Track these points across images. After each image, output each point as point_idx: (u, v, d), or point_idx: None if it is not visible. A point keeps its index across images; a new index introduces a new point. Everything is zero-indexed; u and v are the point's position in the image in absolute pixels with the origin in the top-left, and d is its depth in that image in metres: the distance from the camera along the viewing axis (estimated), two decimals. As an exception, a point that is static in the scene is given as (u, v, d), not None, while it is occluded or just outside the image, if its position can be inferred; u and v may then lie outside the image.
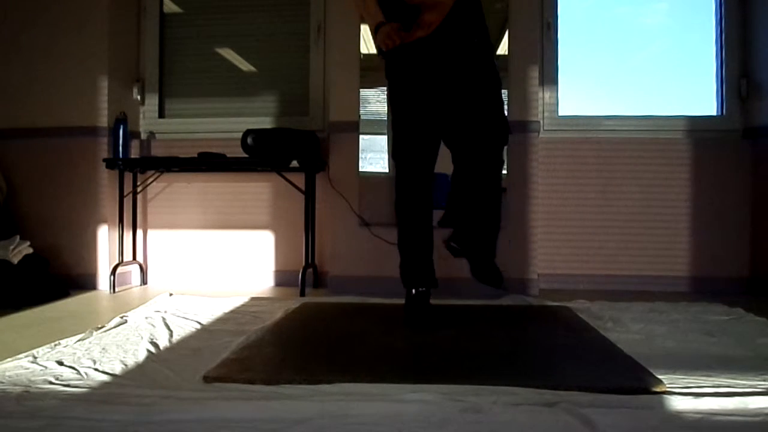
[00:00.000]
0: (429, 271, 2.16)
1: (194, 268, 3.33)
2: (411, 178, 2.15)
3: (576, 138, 3.18)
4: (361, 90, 3.03)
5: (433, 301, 2.15)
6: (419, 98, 2.11)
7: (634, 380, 1.42)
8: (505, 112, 2.15)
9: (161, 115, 3.45)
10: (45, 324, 2.21)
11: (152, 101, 3.42)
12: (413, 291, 2.13)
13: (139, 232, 3.32)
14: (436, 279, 2.18)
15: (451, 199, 2.20)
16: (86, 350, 1.73)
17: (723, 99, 3.16)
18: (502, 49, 2.28)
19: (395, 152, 2.19)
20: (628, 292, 2.98)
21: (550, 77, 3.20)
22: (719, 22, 3.18)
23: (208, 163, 3.07)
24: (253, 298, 2.69)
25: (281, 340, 1.91)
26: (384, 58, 2.17)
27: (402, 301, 2.17)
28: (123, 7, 3.26)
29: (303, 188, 3.00)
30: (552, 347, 1.82)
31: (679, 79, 3.33)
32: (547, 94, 3.20)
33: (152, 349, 1.75)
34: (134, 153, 3.30)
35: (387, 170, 3.57)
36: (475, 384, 1.38)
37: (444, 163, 2.21)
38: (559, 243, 3.16)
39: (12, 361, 1.60)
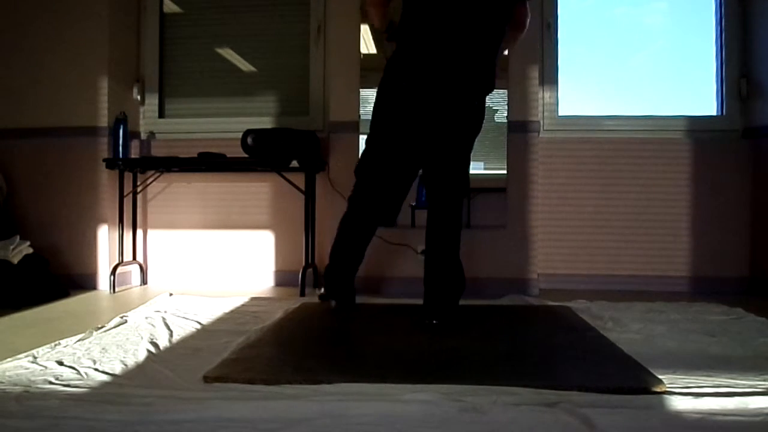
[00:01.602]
0: (349, 289, 2.31)
1: (194, 268, 3.33)
2: (376, 199, 2.22)
3: (576, 138, 3.18)
4: (361, 90, 3.03)
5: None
6: (409, 123, 2.13)
7: (634, 380, 1.42)
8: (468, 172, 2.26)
9: (161, 115, 3.45)
10: (45, 324, 2.21)
11: (152, 101, 3.42)
12: (333, 303, 2.29)
13: (139, 232, 3.32)
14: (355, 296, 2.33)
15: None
16: (86, 350, 1.73)
17: (723, 99, 3.16)
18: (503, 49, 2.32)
19: (363, 169, 2.23)
20: (628, 292, 2.98)
21: (550, 77, 3.20)
22: (719, 22, 3.18)
23: (208, 163, 3.07)
24: (253, 298, 2.69)
25: (281, 340, 1.91)
26: (390, 40, 2.23)
27: (402, 301, 2.18)
28: (123, 7, 3.26)
29: (303, 188, 3.00)
30: (552, 347, 1.82)
31: (679, 79, 3.33)
32: (547, 94, 3.20)
33: (152, 349, 1.75)
34: (134, 153, 3.30)
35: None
36: (475, 384, 1.38)
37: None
38: (559, 243, 3.16)
39: (12, 361, 1.60)
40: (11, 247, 2.72)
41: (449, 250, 2.17)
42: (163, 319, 2.18)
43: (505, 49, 2.31)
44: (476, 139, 2.26)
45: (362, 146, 3.05)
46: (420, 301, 2.18)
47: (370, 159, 2.22)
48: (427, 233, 2.19)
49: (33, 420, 1.18)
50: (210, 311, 2.35)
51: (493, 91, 2.21)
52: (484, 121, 2.25)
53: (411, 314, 2.26)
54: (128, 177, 3.17)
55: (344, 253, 2.28)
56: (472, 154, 2.26)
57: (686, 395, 1.31)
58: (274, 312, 2.33)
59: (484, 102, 2.20)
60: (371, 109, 3.18)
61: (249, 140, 2.95)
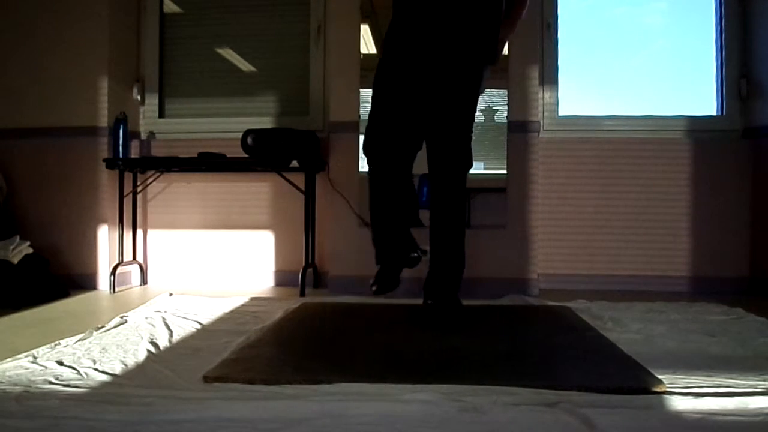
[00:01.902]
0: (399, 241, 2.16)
1: (194, 268, 3.33)
2: (384, 167, 2.15)
3: (576, 138, 3.18)
4: (361, 90, 3.02)
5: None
6: (405, 94, 2.11)
7: (634, 380, 1.42)
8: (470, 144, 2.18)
9: (161, 115, 3.45)
10: (45, 324, 2.21)
11: (152, 101, 3.42)
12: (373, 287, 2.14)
13: (139, 232, 3.32)
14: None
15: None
16: (86, 350, 1.73)
17: (723, 99, 3.16)
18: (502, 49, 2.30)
19: (367, 145, 2.17)
20: (628, 292, 2.98)
21: (550, 77, 3.20)
22: (719, 22, 3.18)
23: (208, 163, 3.07)
24: (253, 298, 2.69)
25: (281, 340, 1.91)
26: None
27: (402, 301, 2.18)
28: (123, 7, 3.26)
29: (303, 188, 3.00)
30: (552, 347, 1.82)
31: (679, 79, 3.33)
32: (547, 94, 3.20)
33: (152, 349, 1.75)
34: (134, 153, 3.30)
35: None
36: (475, 384, 1.38)
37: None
38: (559, 243, 3.16)
39: (12, 361, 1.60)
40: (11, 247, 2.72)
41: (450, 232, 2.13)
42: (163, 319, 2.18)
43: (508, 27, 2.23)
44: (474, 131, 2.20)
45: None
46: (419, 301, 2.18)
47: (373, 133, 2.17)
48: (431, 216, 2.15)
49: (33, 420, 1.18)
50: (210, 311, 2.35)
51: (494, 63, 2.17)
52: (485, 121, 2.24)
53: (411, 314, 2.26)
54: (128, 177, 3.17)
55: (379, 222, 2.18)
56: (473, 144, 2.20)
57: (686, 395, 1.30)
58: (274, 312, 2.33)
59: (480, 70, 2.14)
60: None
61: (249, 140, 2.95)
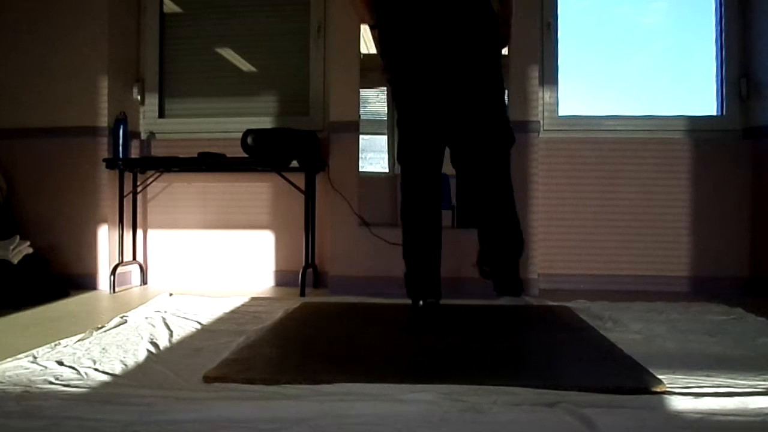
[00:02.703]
0: (436, 281, 2.03)
1: (194, 268, 3.33)
2: (418, 179, 2.05)
3: (576, 138, 3.18)
4: (361, 90, 3.03)
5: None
6: (423, 94, 2.03)
7: (634, 380, 1.42)
8: (508, 117, 2.09)
9: (161, 115, 3.45)
10: (45, 324, 2.21)
11: (152, 101, 3.42)
12: (420, 302, 2.00)
13: (139, 232, 3.32)
14: (440, 290, 2.11)
15: (463, 203, 2.13)
16: (86, 350, 1.73)
17: (723, 99, 3.16)
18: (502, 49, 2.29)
19: (400, 153, 2.08)
20: (628, 292, 2.98)
21: (550, 77, 3.20)
22: (719, 22, 3.18)
23: (208, 163, 3.07)
24: (253, 298, 2.69)
25: (281, 340, 1.91)
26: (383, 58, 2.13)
27: (402, 301, 2.16)
28: (123, 7, 3.26)
29: (303, 188, 3.00)
30: (552, 347, 1.82)
31: (679, 79, 3.33)
32: (547, 94, 3.20)
33: (152, 349, 1.75)
34: (134, 153, 3.30)
35: (387, 170, 3.58)
36: (475, 384, 1.38)
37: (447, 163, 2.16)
38: (559, 243, 3.16)
39: (12, 361, 1.59)
40: (11, 247, 2.72)
41: (509, 202, 2.03)
42: (163, 319, 2.18)
43: (506, 10, 2.15)
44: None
45: (362, 145, 3.08)
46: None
47: (403, 135, 2.08)
48: (479, 192, 2.03)
49: (33, 420, 1.18)
50: (210, 311, 2.35)
51: (503, 45, 2.11)
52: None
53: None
54: (128, 177, 3.17)
55: (415, 248, 2.05)
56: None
57: (686, 395, 1.30)
58: (274, 312, 2.33)
59: (491, 50, 2.03)
60: (371, 109, 3.18)
61: (249, 140, 2.95)
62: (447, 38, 1.98)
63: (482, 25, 2.01)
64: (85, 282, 3.08)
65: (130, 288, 3.17)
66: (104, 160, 3.07)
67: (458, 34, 1.98)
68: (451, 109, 2.04)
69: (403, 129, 2.09)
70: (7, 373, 1.49)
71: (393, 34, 2.04)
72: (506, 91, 2.91)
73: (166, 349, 1.79)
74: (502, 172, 2.04)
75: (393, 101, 2.13)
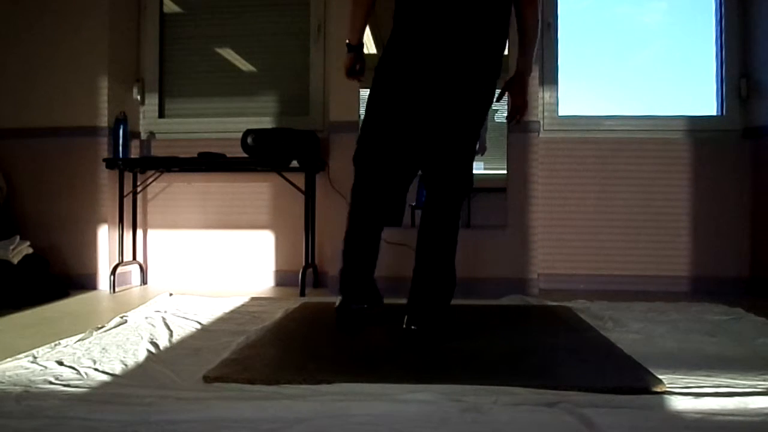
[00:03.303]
0: (368, 286, 2.08)
1: (194, 268, 3.33)
2: (369, 187, 2.05)
3: (576, 138, 3.18)
4: (361, 90, 3.02)
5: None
6: (402, 111, 1.98)
7: (634, 380, 1.42)
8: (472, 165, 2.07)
9: (161, 115, 3.45)
10: (45, 324, 2.21)
11: (152, 101, 3.42)
12: (350, 305, 2.03)
13: (139, 232, 3.32)
14: (381, 296, 2.16)
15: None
16: (86, 350, 1.73)
17: (723, 99, 3.16)
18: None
19: (358, 156, 2.08)
20: (628, 292, 2.98)
21: (550, 77, 3.20)
22: (719, 22, 3.18)
23: (208, 163, 3.07)
24: (253, 298, 2.69)
25: (281, 340, 1.91)
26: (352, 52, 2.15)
27: (402, 301, 2.15)
28: (123, 7, 3.26)
29: (303, 188, 3.00)
30: (552, 347, 1.82)
31: (679, 79, 3.33)
32: (547, 94, 3.20)
33: (152, 349, 1.75)
34: (134, 153, 3.30)
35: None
36: (475, 384, 1.38)
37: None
38: (559, 243, 3.16)
39: (12, 361, 1.60)
40: (11, 247, 2.72)
41: (440, 251, 1.98)
42: (163, 319, 2.18)
43: (527, 39, 2.07)
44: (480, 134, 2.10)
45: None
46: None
47: (366, 146, 2.06)
48: (420, 231, 2.02)
49: (33, 420, 1.18)
50: (210, 311, 2.35)
51: (498, 77, 2.01)
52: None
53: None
54: (128, 177, 3.17)
55: (353, 249, 2.07)
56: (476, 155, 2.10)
57: (686, 395, 1.31)
58: (274, 312, 2.33)
59: (488, 89, 1.99)
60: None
61: (249, 140, 2.95)
62: (449, 69, 1.93)
63: (487, 67, 1.98)
64: (85, 282, 3.08)
65: (130, 288, 3.17)
66: (104, 160, 3.07)
67: (467, 60, 1.93)
68: (423, 134, 2.01)
69: (367, 134, 2.07)
70: (7, 373, 1.49)
71: (404, 42, 1.99)
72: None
73: (166, 349, 1.79)
74: (451, 216, 2.01)
75: (368, 101, 2.08)
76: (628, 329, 2.03)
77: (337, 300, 2.05)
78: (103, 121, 3.11)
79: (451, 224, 2.01)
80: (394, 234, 2.94)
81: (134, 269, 3.31)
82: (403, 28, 2.01)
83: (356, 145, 2.11)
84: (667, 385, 1.37)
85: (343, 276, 2.07)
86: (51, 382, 1.42)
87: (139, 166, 3.16)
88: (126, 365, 1.59)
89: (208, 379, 1.44)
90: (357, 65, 2.18)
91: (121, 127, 3.08)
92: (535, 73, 2.95)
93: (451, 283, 2.00)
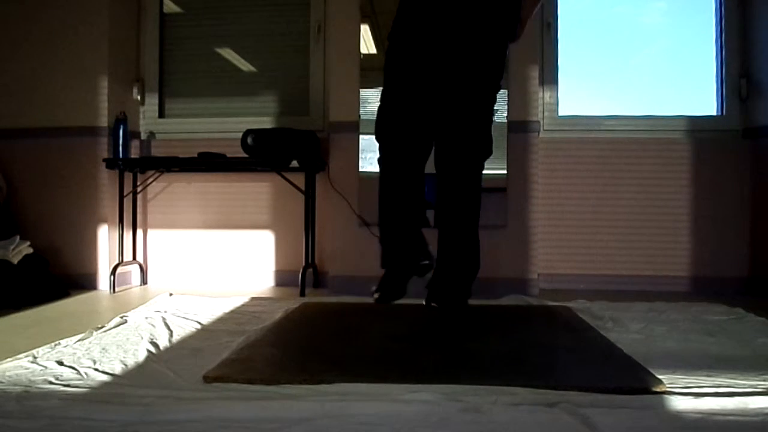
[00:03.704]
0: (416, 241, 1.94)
1: (194, 268, 3.33)
2: (400, 162, 1.96)
3: (576, 138, 3.18)
4: (361, 90, 3.02)
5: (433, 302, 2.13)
6: (418, 79, 1.93)
7: (634, 380, 1.42)
8: (491, 130, 2.01)
9: (161, 115, 3.45)
10: (45, 324, 2.21)
11: (152, 101, 3.42)
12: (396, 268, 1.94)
13: (139, 232, 3.32)
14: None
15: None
16: (86, 350, 1.73)
17: (723, 99, 3.16)
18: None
19: (382, 128, 1.98)
20: (628, 292, 2.98)
21: (550, 77, 3.20)
22: (719, 22, 3.18)
23: (208, 163, 3.07)
24: (253, 298, 2.69)
25: (281, 340, 1.91)
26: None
27: (403, 301, 2.15)
28: (123, 7, 3.26)
29: (303, 188, 3.00)
30: (552, 347, 1.82)
31: (679, 79, 3.33)
32: (547, 94, 3.20)
33: (152, 349, 1.75)
34: (134, 153, 3.30)
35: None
36: (475, 384, 1.38)
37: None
38: (559, 243, 3.16)
39: (12, 361, 1.60)
40: (11, 247, 2.72)
41: (462, 224, 1.91)
42: (163, 319, 2.18)
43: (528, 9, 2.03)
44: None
45: (362, 145, 3.08)
46: (419, 301, 2.17)
47: (386, 115, 1.99)
48: (438, 204, 1.93)
49: (33, 420, 1.18)
50: (210, 311, 2.35)
51: (514, 40, 2.00)
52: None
53: (411, 314, 2.26)
54: (128, 177, 3.17)
55: (388, 222, 1.97)
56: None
57: (686, 395, 1.30)
58: (274, 312, 2.33)
59: (500, 50, 1.95)
60: (371, 109, 3.17)
61: (249, 140, 2.95)
62: (466, 24, 1.89)
63: (498, 27, 1.94)
64: (85, 282, 3.08)
65: (130, 288, 3.17)
66: (104, 160, 3.07)
67: (478, 21, 1.90)
68: (440, 101, 1.96)
69: (390, 102, 2.00)
70: (7, 373, 1.49)
71: (414, 7, 1.95)
72: (506, 91, 2.87)
73: (166, 349, 1.79)
74: (471, 182, 1.94)
75: (384, 71, 2.02)
76: (628, 329, 2.03)
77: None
78: (103, 121, 3.11)
79: (473, 193, 1.94)
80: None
81: (134, 269, 3.31)
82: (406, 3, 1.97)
83: (376, 117, 2.02)
84: (667, 385, 1.36)
85: (386, 237, 1.98)
86: (51, 382, 1.42)
87: (139, 166, 3.16)
88: (126, 365, 1.59)
89: (208, 379, 1.44)
90: None
91: (121, 127, 3.08)
92: (534, 73, 2.97)
93: (475, 257, 1.93)
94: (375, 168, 2.81)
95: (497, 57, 1.97)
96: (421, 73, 1.94)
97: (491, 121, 2.01)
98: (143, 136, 3.41)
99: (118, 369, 1.55)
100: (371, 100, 3.43)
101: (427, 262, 1.94)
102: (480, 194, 1.96)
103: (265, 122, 3.29)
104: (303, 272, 2.94)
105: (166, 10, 3.45)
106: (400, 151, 1.97)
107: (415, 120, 1.96)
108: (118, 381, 1.46)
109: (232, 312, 2.37)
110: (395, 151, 1.98)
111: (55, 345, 1.78)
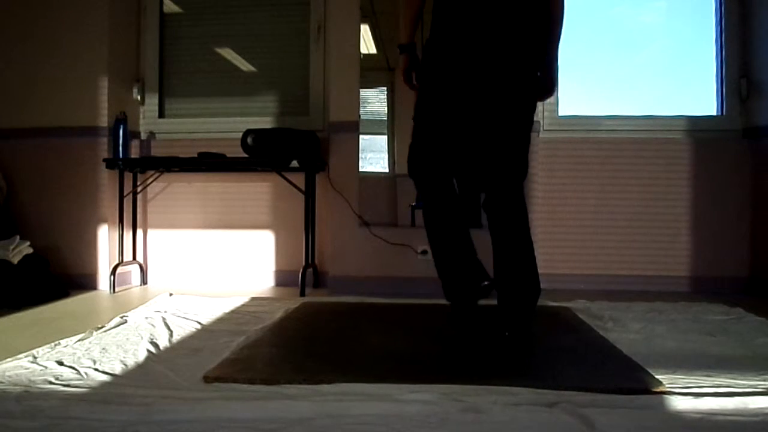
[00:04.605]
0: (472, 275, 1.95)
1: (194, 268, 3.33)
2: (438, 191, 1.98)
3: (576, 138, 3.18)
4: (361, 90, 3.03)
5: (433, 301, 2.14)
6: (457, 109, 1.95)
7: (634, 380, 1.42)
8: (527, 152, 2.02)
9: (161, 115, 3.45)
10: (45, 324, 2.21)
11: (152, 101, 3.42)
12: (459, 304, 1.97)
13: (139, 232, 3.32)
14: (486, 273, 1.98)
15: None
16: (86, 350, 1.73)
17: (723, 99, 3.16)
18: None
19: (416, 164, 2.00)
20: (628, 292, 2.98)
21: (550, 77, 3.19)
22: (719, 22, 3.17)
23: (208, 163, 3.07)
24: (253, 298, 2.69)
25: (281, 340, 1.91)
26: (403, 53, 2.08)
27: (402, 301, 2.16)
28: (123, 7, 3.26)
29: (303, 188, 3.00)
30: (552, 347, 1.82)
31: (679, 79, 3.33)
32: (547, 94, 3.19)
33: (152, 349, 1.75)
34: (134, 153, 3.30)
35: (387, 170, 3.58)
36: (475, 384, 1.38)
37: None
38: (559, 243, 3.16)
39: (12, 361, 1.60)
40: (11, 247, 2.72)
41: (518, 249, 1.93)
42: (163, 319, 2.18)
43: (553, 27, 2.07)
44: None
45: (362, 145, 3.08)
46: (419, 301, 2.17)
47: (420, 153, 2.00)
48: (493, 233, 1.95)
49: (33, 420, 1.18)
50: (210, 311, 2.35)
51: (537, 67, 1.99)
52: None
53: (411, 314, 2.26)
54: (128, 177, 3.17)
55: (442, 255, 2.00)
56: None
57: (686, 395, 1.31)
58: (274, 312, 2.33)
59: (530, 74, 1.97)
60: (371, 109, 3.17)
61: (249, 140, 2.95)
62: (489, 61, 1.91)
63: (525, 55, 1.95)
64: (85, 282, 3.08)
65: (130, 288, 3.17)
66: (104, 160, 3.07)
67: (502, 74, 1.92)
68: (473, 131, 1.98)
69: (421, 139, 2.01)
70: (7, 373, 1.49)
71: (443, 50, 1.96)
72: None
73: (166, 349, 1.79)
74: (518, 205, 1.96)
75: (415, 110, 2.03)
76: (628, 329, 2.03)
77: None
78: (103, 121, 3.11)
79: (522, 219, 1.96)
80: (394, 234, 2.95)
81: (134, 269, 3.31)
82: (440, 28, 1.97)
83: (410, 153, 2.03)
84: (667, 386, 1.37)
85: (445, 289, 2.00)
86: (51, 382, 1.42)
87: (139, 166, 3.16)
88: (126, 365, 1.59)
89: (208, 379, 1.44)
90: (412, 70, 2.08)
91: (121, 127, 3.08)
92: (535, 73, 2.96)
93: (535, 281, 1.94)
94: (375, 168, 2.82)
95: (527, 83, 1.97)
96: (454, 108, 1.95)
97: (528, 144, 2.04)
98: (143, 136, 3.41)
99: (118, 369, 1.55)
100: (371, 100, 3.43)
101: (487, 282, 1.94)
102: (527, 219, 1.97)
103: (265, 122, 3.29)
104: (303, 272, 2.94)
105: (166, 10, 3.45)
106: (437, 185, 1.99)
107: (449, 155, 1.98)
108: (118, 381, 1.46)
109: (232, 312, 2.37)
110: (433, 186, 1.99)
111: (55, 345, 1.78)
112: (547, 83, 2.06)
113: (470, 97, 1.94)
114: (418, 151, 2.00)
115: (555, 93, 2.12)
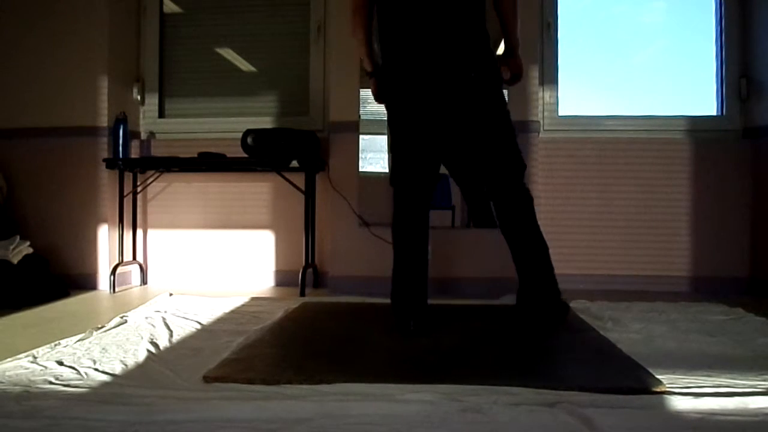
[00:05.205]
0: (421, 305, 2.03)
1: (194, 268, 3.33)
2: (409, 206, 2.08)
3: (576, 138, 3.18)
4: (361, 90, 3.02)
5: (433, 301, 2.14)
6: (418, 122, 2.05)
7: (634, 380, 1.42)
8: (516, 145, 2.07)
9: (161, 115, 3.45)
10: (45, 324, 2.21)
11: (152, 101, 3.42)
12: (409, 324, 1.98)
13: (139, 232, 3.32)
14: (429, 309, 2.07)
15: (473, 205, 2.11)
16: (86, 350, 1.73)
17: (723, 99, 3.16)
18: (502, 48, 2.28)
19: (393, 178, 2.12)
20: (628, 292, 2.97)
21: (550, 77, 3.20)
22: (719, 22, 3.18)
23: (208, 163, 3.07)
24: (253, 298, 2.69)
25: (281, 340, 1.91)
26: (373, 77, 2.21)
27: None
28: (123, 7, 3.26)
29: (303, 188, 3.00)
30: (552, 347, 1.82)
31: (679, 79, 3.33)
32: (547, 94, 3.20)
33: (152, 349, 1.75)
34: (134, 153, 3.30)
35: (387, 170, 3.57)
36: (475, 384, 1.38)
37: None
38: (559, 243, 3.14)
39: (12, 361, 1.60)
40: (11, 247, 2.72)
41: (532, 241, 2.03)
42: (163, 319, 2.18)
43: (506, 20, 2.08)
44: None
45: (362, 145, 3.08)
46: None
47: (396, 160, 2.13)
48: (503, 230, 2.05)
49: (33, 420, 1.18)
50: (210, 311, 2.35)
51: (491, 62, 2.04)
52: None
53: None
54: (128, 177, 3.17)
55: (401, 268, 2.09)
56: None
57: (686, 395, 1.31)
58: (274, 312, 2.33)
59: (483, 73, 2.01)
60: (371, 109, 3.17)
61: (249, 140, 2.95)
62: (445, 86, 2.00)
63: (483, 73, 2.02)
64: (85, 282, 3.08)
65: (130, 288, 3.17)
66: (104, 160, 3.07)
67: (456, 84, 1.99)
68: (447, 140, 2.09)
69: (397, 152, 2.12)
70: (7, 373, 1.49)
71: (395, 78, 2.07)
72: (506, 91, 2.89)
73: (166, 349, 1.79)
74: (523, 198, 2.04)
75: (388, 123, 2.15)
76: (628, 329, 2.03)
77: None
78: (103, 121, 3.11)
79: (526, 204, 2.04)
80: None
81: (134, 269, 3.31)
82: (389, 49, 2.09)
83: (390, 166, 2.15)
84: (667, 385, 1.37)
85: (394, 298, 2.07)
86: (51, 382, 1.43)
87: (139, 166, 3.16)
88: (126, 365, 1.59)
89: (208, 379, 1.44)
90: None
91: (121, 127, 3.08)
92: (534, 73, 2.97)
93: (547, 260, 2.06)
94: (374, 168, 2.80)
95: (490, 79, 2.03)
96: (425, 123, 2.05)
97: (513, 138, 2.08)
98: (143, 136, 3.41)
99: (118, 369, 1.55)
100: (371, 100, 3.42)
101: (413, 322, 1.98)
102: (533, 210, 2.05)
103: (265, 122, 3.29)
104: (303, 272, 2.94)
105: (166, 10, 3.45)
106: (414, 193, 2.08)
107: (427, 166, 2.09)
108: (118, 381, 1.46)
109: (232, 312, 2.37)
110: (409, 194, 2.09)
111: (55, 345, 1.78)
112: (515, 68, 2.17)
113: (432, 107, 2.03)
114: (399, 166, 2.11)
115: (524, 76, 2.26)
